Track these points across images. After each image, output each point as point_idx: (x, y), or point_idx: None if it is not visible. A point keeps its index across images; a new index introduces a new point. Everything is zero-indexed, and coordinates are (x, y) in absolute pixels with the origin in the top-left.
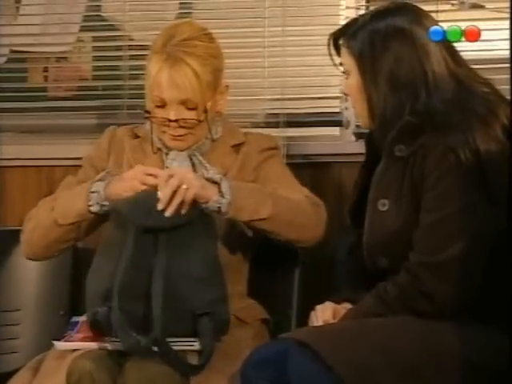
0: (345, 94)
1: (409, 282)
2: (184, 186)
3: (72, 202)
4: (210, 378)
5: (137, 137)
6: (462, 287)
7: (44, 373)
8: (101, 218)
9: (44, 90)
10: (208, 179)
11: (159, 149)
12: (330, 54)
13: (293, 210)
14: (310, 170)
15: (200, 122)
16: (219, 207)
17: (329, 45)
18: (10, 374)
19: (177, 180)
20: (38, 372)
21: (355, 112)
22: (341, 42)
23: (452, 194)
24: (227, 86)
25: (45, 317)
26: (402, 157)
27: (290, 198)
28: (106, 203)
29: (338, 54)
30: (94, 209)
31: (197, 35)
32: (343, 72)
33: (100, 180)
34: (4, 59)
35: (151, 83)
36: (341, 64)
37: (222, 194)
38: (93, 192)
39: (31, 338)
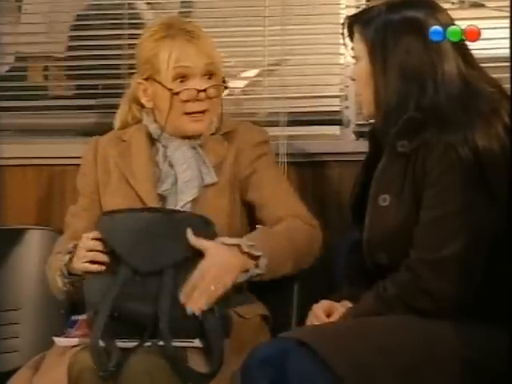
0: (351, 79)
1: (408, 279)
2: (212, 288)
3: (54, 278)
4: None
5: (122, 141)
6: (462, 285)
7: (44, 369)
8: None
9: (44, 88)
10: (248, 253)
11: (156, 140)
12: (343, 38)
13: (298, 254)
14: (311, 169)
15: (225, 88)
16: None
17: (343, 28)
18: (10, 373)
19: (207, 283)
20: (37, 370)
21: (360, 99)
22: (355, 27)
23: (453, 191)
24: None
25: (45, 316)
26: (405, 153)
27: (293, 239)
28: (72, 278)
29: (351, 38)
30: (65, 288)
31: (193, 27)
32: (353, 57)
33: (67, 252)
34: (11, 59)
35: (174, 59)
36: (352, 48)
37: (256, 265)
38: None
39: (31, 337)
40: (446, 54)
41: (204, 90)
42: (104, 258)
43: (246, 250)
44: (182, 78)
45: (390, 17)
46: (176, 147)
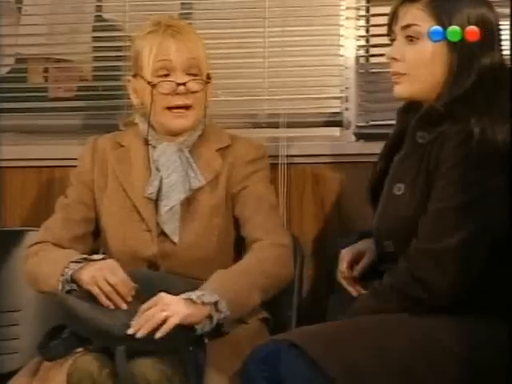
0: (393, 59)
1: (405, 267)
2: (164, 314)
3: (49, 275)
4: (211, 378)
5: (121, 146)
6: (459, 276)
7: (44, 373)
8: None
9: (44, 90)
10: (203, 303)
11: (147, 142)
12: (394, 16)
13: (266, 282)
14: (311, 171)
15: (207, 83)
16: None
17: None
18: (10, 375)
19: (157, 310)
20: (37, 373)
21: (403, 79)
22: (421, 3)
23: (460, 185)
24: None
25: (45, 317)
26: (423, 144)
27: (263, 266)
28: (74, 287)
29: (392, 18)
30: (63, 290)
31: (179, 24)
32: (408, 36)
33: (76, 262)
34: (11, 60)
35: (155, 53)
36: (407, 26)
37: (217, 310)
38: (63, 275)
39: (31, 338)
40: (498, 48)
41: (184, 84)
42: (122, 305)
43: (198, 300)
44: (165, 72)
45: (473, 8)
46: (162, 151)
